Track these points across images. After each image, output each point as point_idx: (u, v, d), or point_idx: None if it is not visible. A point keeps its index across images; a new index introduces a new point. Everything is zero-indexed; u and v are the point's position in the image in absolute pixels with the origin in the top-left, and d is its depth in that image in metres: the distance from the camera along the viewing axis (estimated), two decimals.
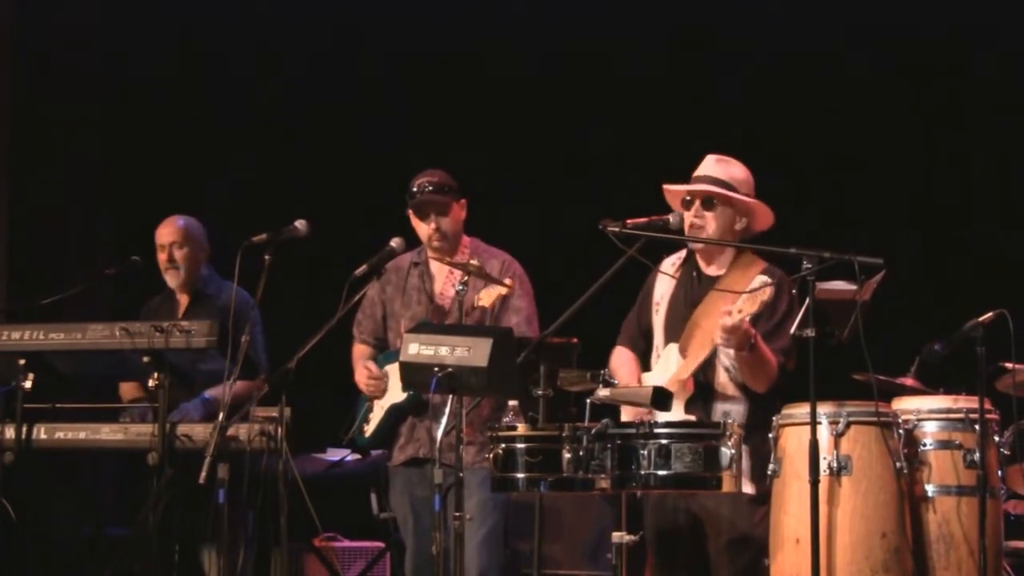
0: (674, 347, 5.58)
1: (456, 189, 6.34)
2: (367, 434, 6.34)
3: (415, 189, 6.30)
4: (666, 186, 5.75)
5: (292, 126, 9.15)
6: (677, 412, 5.45)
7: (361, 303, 6.41)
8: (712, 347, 5.43)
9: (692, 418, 5.34)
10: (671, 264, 5.79)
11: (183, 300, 7.22)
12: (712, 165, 5.73)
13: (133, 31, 9.02)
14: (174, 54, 9.06)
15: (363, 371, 6.31)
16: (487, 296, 6.05)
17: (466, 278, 6.08)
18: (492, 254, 6.37)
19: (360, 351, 6.46)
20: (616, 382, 5.51)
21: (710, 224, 5.65)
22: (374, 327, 6.44)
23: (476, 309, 6.14)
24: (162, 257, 7.22)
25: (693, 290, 5.68)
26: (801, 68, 8.53)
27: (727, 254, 5.69)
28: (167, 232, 7.23)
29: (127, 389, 7.23)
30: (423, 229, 6.32)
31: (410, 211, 6.33)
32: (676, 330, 5.62)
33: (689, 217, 5.66)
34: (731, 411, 5.47)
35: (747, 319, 5.30)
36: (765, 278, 5.48)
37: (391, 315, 6.41)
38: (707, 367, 5.52)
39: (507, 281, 6.07)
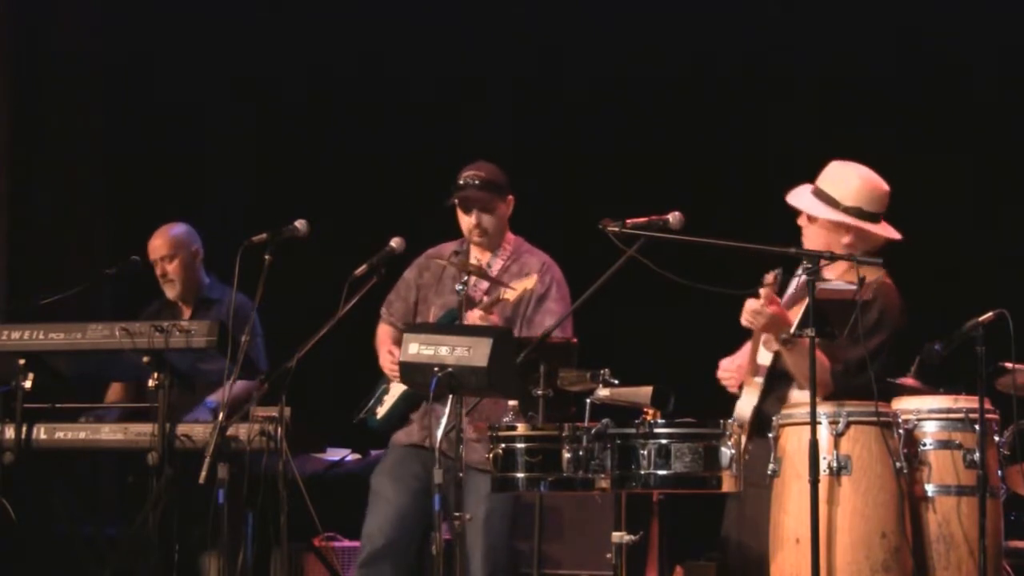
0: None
1: (504, 186, 6.30)
2: (379, 415, 6.33)
3: (461, 182, 6.27)
4: (788, 197, 5.74)
5: (292, 126, 9.14)
6: (750, 401, 5.51)
7: (395, 284, 6.41)
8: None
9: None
10: (797, 281, 5.76)
11: (186, 311, 7.23)
12: (829, 175, 5.73)
13: (134, 31, 9.02)
14: (175, 54, 9.05)
15: (387, 355, 6.26)
16: (511, 291, 6.03)
17: (466, 278, 6.08)
18: (533, 254, 6.36)
19: (385, 332, 6.42)
20: (616, 382, 5.51)
21: (812, 236, 5.67)
22: (405, 311, 6.42)
23: (500, 303, 6.12)
24: (157, 272, 7.26)
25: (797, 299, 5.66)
26: (801, 67, 8.53)
27: (840, 263, 5.58)
28: (156, 246, 7.29)
29: (113, 391, 7.26)
30: (465, 222, 6.29)
31: (455, 202, 6.29)
32: None
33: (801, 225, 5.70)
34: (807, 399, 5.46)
35: (777, 303, 5.32)
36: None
37: (423, 301, 6.39)
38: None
39: (513, 284, 6.05)
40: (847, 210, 5.64)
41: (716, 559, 5.94)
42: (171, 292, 7.27)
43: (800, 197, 5.71)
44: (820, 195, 5.68)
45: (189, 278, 7.24)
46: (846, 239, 5.65)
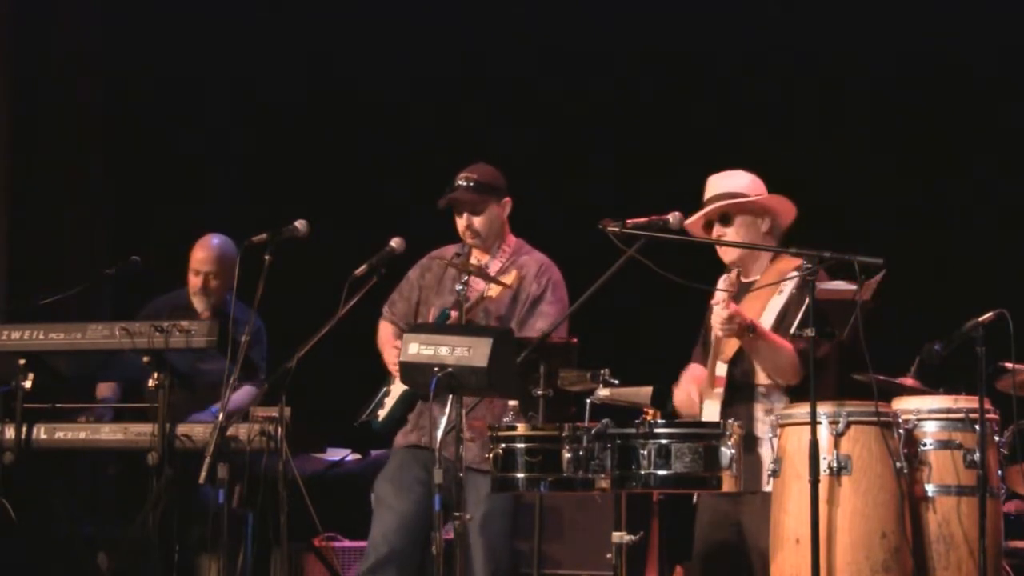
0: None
1: (499, 188, 6.31)
2: (381, 418, 6.34)
3: (455, 183, 6.29)
4: (686, 224, 5.72)
5: (292, 126, 9.15)
6: (713, 411, 5.50)
7: (399, 284, 6.42)
8: (737, 343, 5.47)
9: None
10: (725, 282, 5.76)
11: (205, 318, 7.23)
12: (716, 183, 5.76)
13: (134, 30, 9.02)
14: (175, 54, 9.06)
15: (393, 352, 6.26)
16: (494, 288, 6.06)
17: (466, 278, 6.08)
18: (532, 255, 6.36)
19: (387, 330, 6.43)
20: (616, 382, 5.51)
21: (732, 238, 5.67)
22: (407, 310, 6.43)
23: (484, 300, 6.14)
24: (196, 281, 7.24)
25: (736, 300, 5.66)
26: (800, 68, 8.54)
27: (763, 258, 5.69)
28: (202, 259, 7.24)
29: (102, 389, 7.26)
30: (458, 223, 6.32)
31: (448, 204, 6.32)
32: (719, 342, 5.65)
33: (716, 238, 5.69)
34: (772, 407, 5.48)
35: (733, 304, 5.36)
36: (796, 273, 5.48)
37: (424, 302, 6.40)
38: (743, 364, 5.54)
39: (505, 279, 6.07)
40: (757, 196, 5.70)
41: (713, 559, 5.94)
42: (201, 304, 7.26)
43: (713, 205, 5.70)
44: (726, 196, 5.69)
45: (222, 295, 7.25)
46: (765, 226, 5.70)
